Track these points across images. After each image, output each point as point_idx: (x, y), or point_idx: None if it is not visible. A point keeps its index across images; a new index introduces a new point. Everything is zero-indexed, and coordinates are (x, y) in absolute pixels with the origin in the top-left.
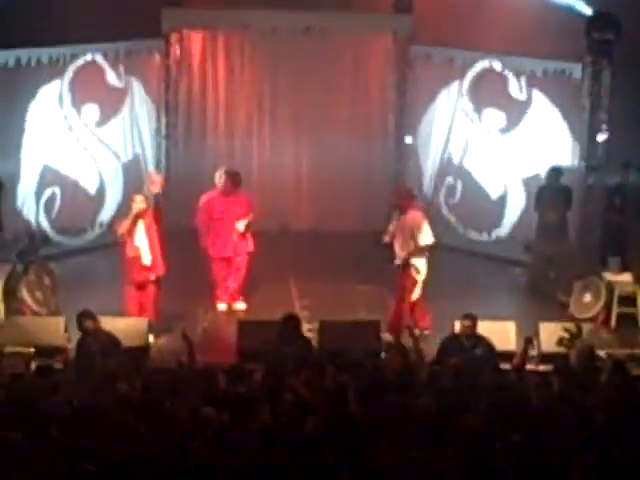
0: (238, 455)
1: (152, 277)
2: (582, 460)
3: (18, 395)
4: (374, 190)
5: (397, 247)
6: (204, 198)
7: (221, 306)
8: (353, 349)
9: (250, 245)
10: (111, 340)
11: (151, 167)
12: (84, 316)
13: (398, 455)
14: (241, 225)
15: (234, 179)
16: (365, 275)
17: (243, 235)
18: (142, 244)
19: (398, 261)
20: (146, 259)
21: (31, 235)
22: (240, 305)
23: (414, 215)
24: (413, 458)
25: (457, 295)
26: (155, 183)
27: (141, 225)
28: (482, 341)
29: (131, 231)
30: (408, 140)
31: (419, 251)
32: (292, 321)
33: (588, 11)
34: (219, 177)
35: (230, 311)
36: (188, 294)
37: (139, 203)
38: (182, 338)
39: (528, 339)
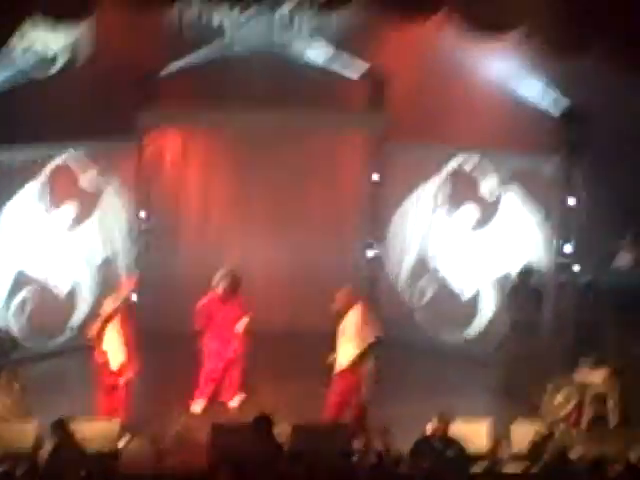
0: None
1: (121, 381)
2: None
3: None
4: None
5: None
6: (204, 300)
7: (195, 408)
8: (325, 451)
9: (241, 348)
10: (79, 451)
11: (122, 270)
12: (58, 426)
13: None
14: (240, 326)
15: (237, 282)
16: None
17: (234, 339)
18: (110, 348)
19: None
20: (114, 363)
21: (1, 340)
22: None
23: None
24: None
25: (429, 396)
26: (124, 286)
27: (111, 329)
28: (454, 443)
29: (100, 335)
30: (370, 254)
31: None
32: (264, 423)
33: (561, 106)
34: (220, 278)
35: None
36: (162, 396)
37: (106, 306)
38: (151, 443)
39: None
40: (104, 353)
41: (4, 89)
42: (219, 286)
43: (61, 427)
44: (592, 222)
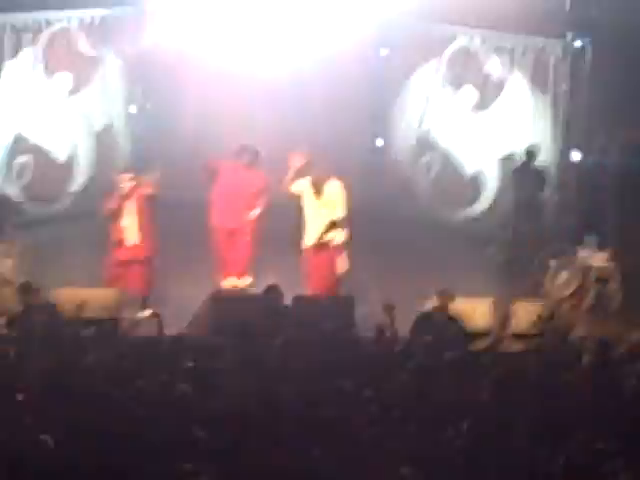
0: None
1: (140, 257)
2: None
3: None
4: (350, 166)
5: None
6: (217, 164)
7: (227, 283)
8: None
9: (257, 223)
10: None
11: (121, 138)
12: (24, 289)
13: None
14: (254, 214)
15: (254, 154)
16: None
17: (247, 210)
18: (129, 225)
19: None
20: (130, 239)
21: (1, 203)
22: (244, 281)
23: None
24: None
25: (431, 272)
26: (149, 185)
27: (130, 205)
28: (454, 320)
29: (117, 212)
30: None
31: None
32: (274, 292)
33: None
34: (241, 149)
35: (236, 287)
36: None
37: (126, 183)
38: (152, 315)
39: (503, 318)
40: (121, 230)
41: None
42: (241, 156)
43: (27, 291)
44: (600, 105)
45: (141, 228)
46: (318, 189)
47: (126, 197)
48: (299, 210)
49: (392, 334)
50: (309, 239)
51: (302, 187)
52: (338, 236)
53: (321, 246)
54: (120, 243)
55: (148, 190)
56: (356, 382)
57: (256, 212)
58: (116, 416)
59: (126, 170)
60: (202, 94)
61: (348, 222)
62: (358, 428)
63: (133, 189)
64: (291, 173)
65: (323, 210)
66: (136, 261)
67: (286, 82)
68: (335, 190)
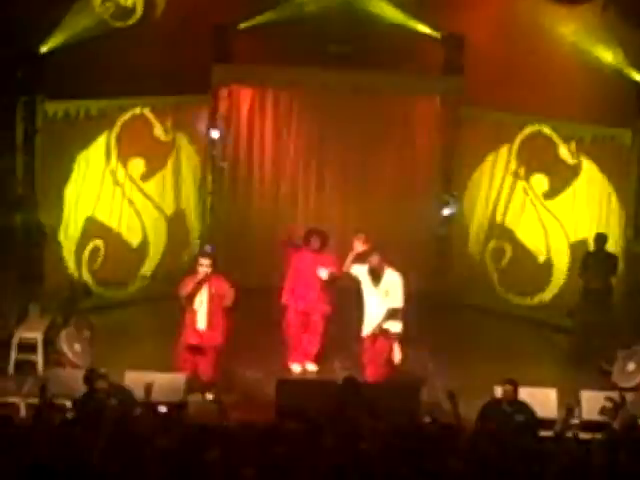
0: None
1: (209, 344)
2: None
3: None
4: (418, 252)
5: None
6: (292, 251)
7: (296, 367)
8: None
9: (328, 307)
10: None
11: (194, 223)
12: (94, 375)
13: None
14: (324, 273)
15: (323, 238)
16: (406, 337)
17: (322, 294)
18: (200, 309)
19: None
20: (201, 324)
21: (72, 287)
22: (311, 367)
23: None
24: None
25: (499, 359)
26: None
27: (204, 290)
28: (523, 407)
29: (193, 295)
30: (446, 212)
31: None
32: (353, 384)
33: (638, 77)
34: (309, 234)
35: (303, 372)
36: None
37: (205, 267)
38: (214, 401)
39: (570, 407)
40: (194, 312)
41: (83, 38)
42: (310, 241)
43: (93, 378)
44: None
45: (212, 314)
46: (376, 277)
47: (202, 282)
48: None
49: (455, 421)
50: (367, 327)
51: (360, 273)
52: (395, 326)
53: (379, 335)
54: (191, 327)
55: (227, 298)
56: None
57: (324, 273)
58: None
59: (202, 255)
60: (274, 181)
61: (416, 308)
62: None
63: (210, 276)
64: (350, 256)
65: (381, 298)
66: (205, 347)
67: (356, 168)
68: (393, 279)
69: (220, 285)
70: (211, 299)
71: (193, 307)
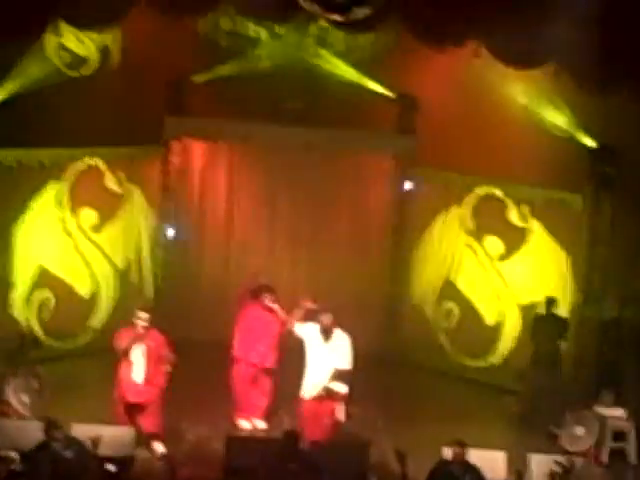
0: None
1: (146, 400)
2: None
3: None
4: (368, 311)
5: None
6: (243, 300)
7: (244, 424)
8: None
9: (276, 362)
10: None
11: (146, 273)
12: (53, 425)
13: None
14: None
15: (273, 294)
16: (355, 396)
17: (272, 349)
18: (137, 363)
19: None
20: (138, 378)
21: (21, 337)
22: (260, 423)
23: None
24: None
25: (448, 420)
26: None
27: (141, 344)
28: (472, 469)
29: (128, 348)
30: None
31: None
32: (293, 437)
33: (591, 143)
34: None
35: (252, 429)
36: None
37: (143, 321)
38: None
39: (519, 471)
40: (129, 366)
41: (37, 86)
42: (263, 296)
43: (53, 426)
44: (619, 258)
45: (150, 369)
46: (327, 336)
47: (139, 338)
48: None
49: None
50: (312, 388)
51: (310, 331)
52: (341, 387)
53: (324, 395)
54: (127, 382)
55: (165, 360)
56: None
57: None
58: None
59: (145, 309)
60: (226, 234)
61: (365, 367)
62: None
63: (147, 331)
64: (297, 314)
65: (328, 358)
66: (144, 403)
67: (307, 225)
68: (343, 340)
69: (159, 342)
70: (149, 354)
71: (129, 360)
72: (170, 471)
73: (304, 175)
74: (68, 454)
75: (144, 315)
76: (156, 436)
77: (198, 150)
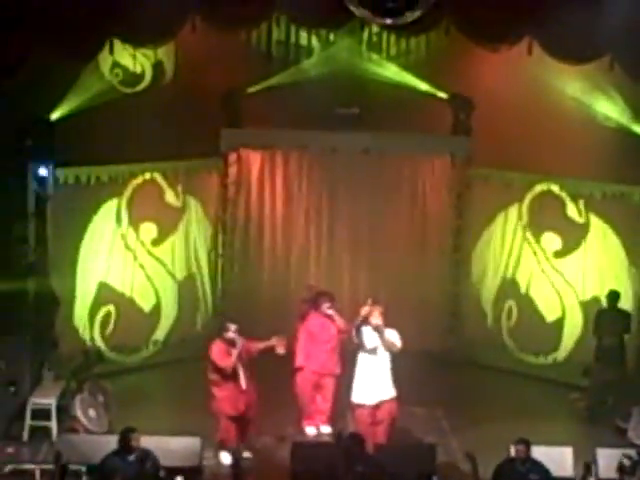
0: None
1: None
2: None
3: None
4: (430, 312)
5: None
6: (308, 311)
7: (310, 430)
8: (408, 472)
9: (338, 369)
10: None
11: (206, 286)
12: (131, 432)
13: None
14: (331, 310)
15: (332, 301)
16: (420, 397)
17: (333, 355)
18: (240, 373)
19: None
20: (243, 387)
21: (86, 352)
22: (326, 428)
23: None
24: None
25: (513, 419)
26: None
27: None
28: (537, 466)
29: (236, 364)
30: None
31: None
32: (358, 440)
33: None
34: (324, 299)
35: (318, 434)
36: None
37: (233, 332)
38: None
39: (587, 464)
40: (237, 380)
41: (93, 104)
42: (322, 304)
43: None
44: None
45: (248, 379)
46: (378, 336)
47: (240, 351)
48: None
49: None
50: (373, 394)
51: (363, 336)
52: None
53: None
54: (235, 397)
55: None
56: None
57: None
58: None
59: (229, 319)
60: (285, 243)
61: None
62: None
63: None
64: (359, 319)
65: (380, 360)
66: (248, 412)
67: (366, 229)
68: (394, 336)
69: (248, 348)
70: (245, 363)
71: (237, 374)
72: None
73: (361, 180)
74: (148, 465)
75: (233, 326)
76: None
77: (255, 161)
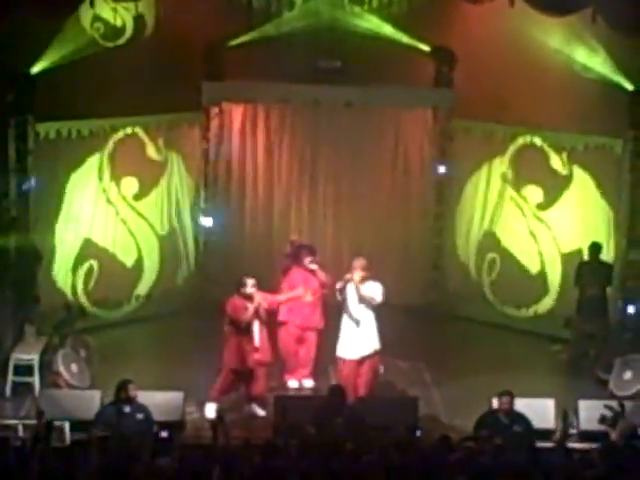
0: None
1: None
2: None
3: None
4: (413, 265)
5: None
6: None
7: (292, 383)
8: (391, 424)
9: (321, 322)
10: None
11: (189, 240)
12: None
13: None
14: (313, 265)
15: (313, 254)
16: (403, 350)
17: (316, 309)
18: (255, 328)
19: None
20: (257, 342)
21: (68, 307)
22: (308, 382)
23: None
24: None
25: (495, 371)
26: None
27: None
28: (520, 418)
29: (252, 321)
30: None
31: None
32: (339, 392)
33: (629, 86)
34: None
35: (300, 388)
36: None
37: (251, 287)
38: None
39: (564, 415)
40: (250, 334)
41: (74, 58)
42: (303, 258)
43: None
44: None
45: (263, 333)
46: (360, 291)
47: (256, 307)
48: None
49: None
50: (358, 349)
51: (345, 292)
52: (378, 343)
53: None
54: (247, 350)
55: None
56: None
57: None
58: None
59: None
60: (267, 197)
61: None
62: None
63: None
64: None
65: (363, 314)
66: (260, 365)
67: (349, 182)
68: (376, 289)
69: (270, 302)
70: (262, 320)
71: (250, 329)
72: (224, 433)
73: (343, 133)
74: (139, 417)
75: (251, 281)
76: (262, 398)
77: (237, 114)
